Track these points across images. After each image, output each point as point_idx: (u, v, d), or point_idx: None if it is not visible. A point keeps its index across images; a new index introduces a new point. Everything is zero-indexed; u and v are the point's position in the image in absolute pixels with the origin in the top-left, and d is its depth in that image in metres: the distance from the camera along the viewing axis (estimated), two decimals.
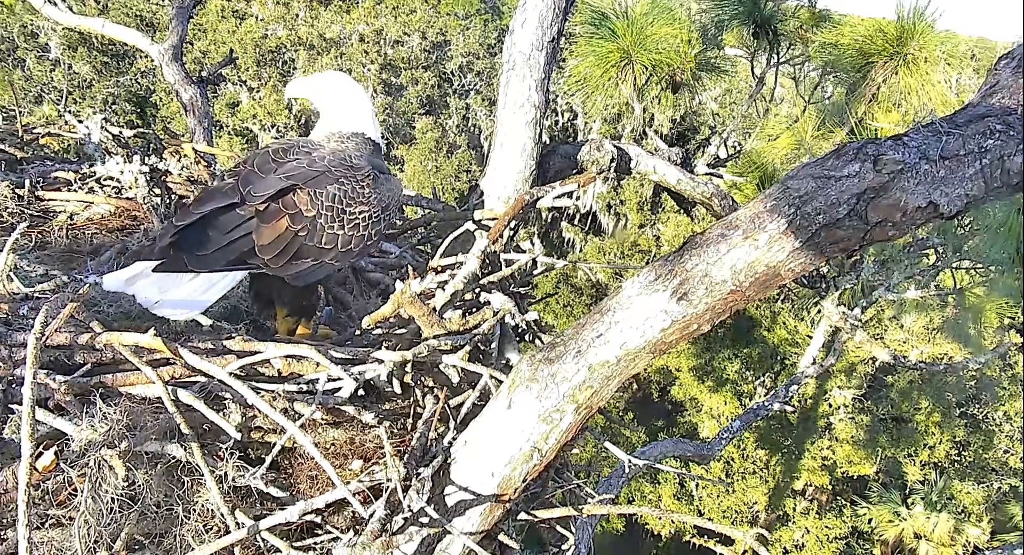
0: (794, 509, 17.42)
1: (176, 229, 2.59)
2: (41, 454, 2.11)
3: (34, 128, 4.73)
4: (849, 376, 16.89)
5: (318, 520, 2.34)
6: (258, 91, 22.04)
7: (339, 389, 2.42)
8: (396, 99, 22.99)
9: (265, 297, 3.01)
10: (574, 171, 3.98)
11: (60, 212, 3.77)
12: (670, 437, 16.50)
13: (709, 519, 3.77)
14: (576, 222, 23.31)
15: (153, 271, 2.54)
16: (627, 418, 17.79)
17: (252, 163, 2.77)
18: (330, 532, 2.31)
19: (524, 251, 3.45)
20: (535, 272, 3.57)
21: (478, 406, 2.58)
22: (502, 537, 2.61)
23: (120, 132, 4.77)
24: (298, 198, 2.69)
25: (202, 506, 2.17)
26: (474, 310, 3.03)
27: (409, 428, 2.59)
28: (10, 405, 2.23)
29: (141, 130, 5.00)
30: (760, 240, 2.07)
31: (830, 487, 17.44)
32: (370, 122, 3.18)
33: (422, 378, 2.68)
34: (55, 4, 6.52)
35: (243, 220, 2.62)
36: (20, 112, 4.73)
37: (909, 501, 15.33)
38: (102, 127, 4.57)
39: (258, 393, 2.26)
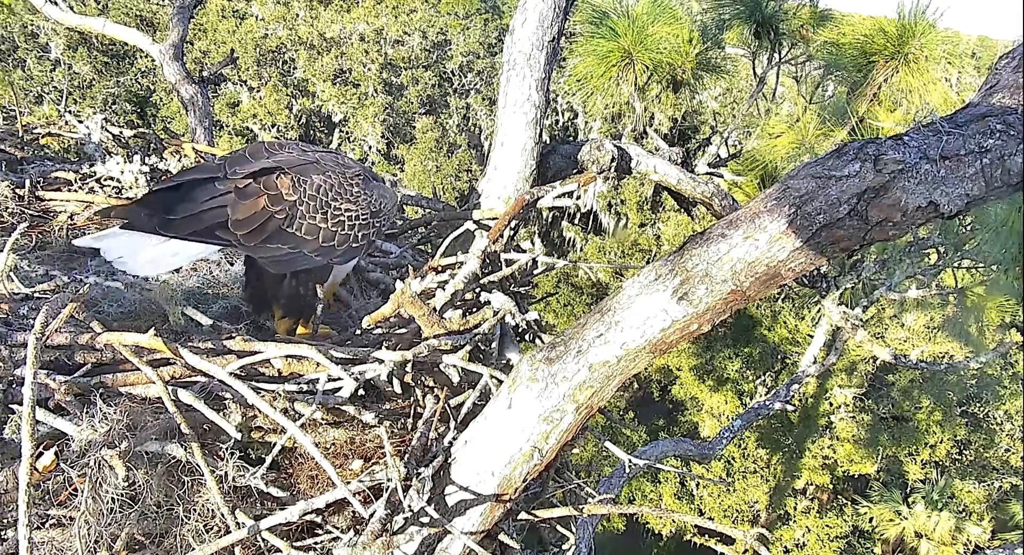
0: (795, 508, 17.42)
1: (150, 190, 2.60)
2: (41, 454, 2.11)
3: (34, 128, 4.73)
4: (850, 375, 16.89)
5: (318, 520, 2.34)
6: (258, 91, 22.04)
7: (339, 389, 2.42)
8: (396, 99, 22.98)
9: (260, 297, 3.01)
10: (574, 171, 3.98)
11: (60, 212, 3.77)
12: (671, 436, 16.52)
13: (710, 518, 3.77)
14: (576, 222, 23.32)
15: (121, 228, 2.54)
16: (628, 417, 17.79)
17: (245, 151, 2.80)
18: (330, 532, 2.31)
19: (524, 251, 3.44)
20: (535, 272, 3.57)
21: (478, 406, 2.58)
22: (502, 537, 2.60)
23: (120, 132, 4.77)
24: (280, 181, 2.69)
25: (202, 506, 2.17)
26: (474, 310, 3.03)
27: (409, 428, 2.59)
28: (10, 405, 2.23)
29: (141, 130, 4.99)
30: (761, 240, 2.06)
31: (831, 486, 17.44)
32: None
33: (422, 378, 2.68)
34: (56, 4, 6.52)
35: (220, 193, 2.62)
36: (20, 112, 4.73)
37: (910, 500, 15.32)
38: (102, 127, 4.57)
39: (258, 393, 2.26)
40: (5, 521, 2.09)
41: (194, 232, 2.59)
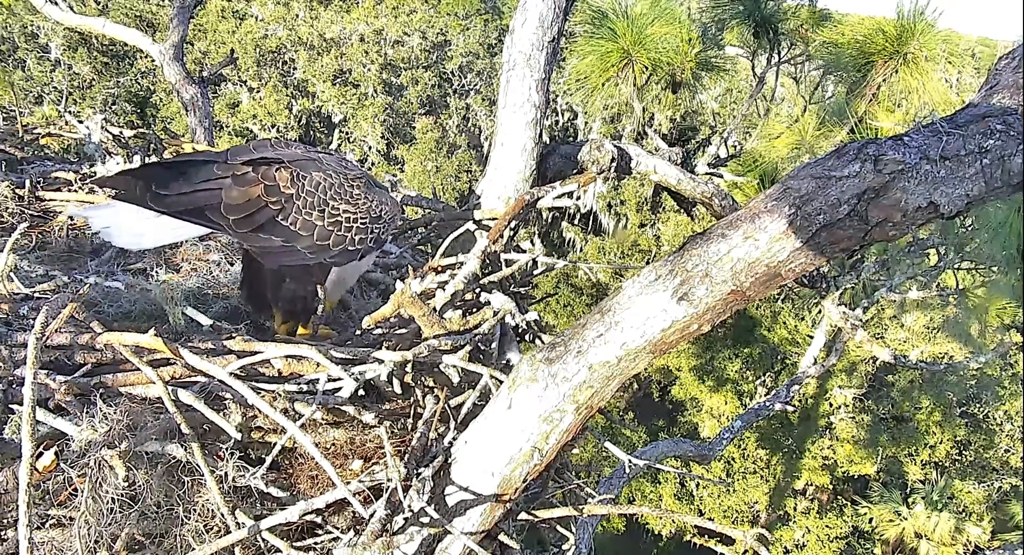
0: (795, 509, 17.42)
1: (145, 164, 2.59)
2: (41, 454, 2.11)
3: (34, 128, 4.74)
4: (850, 375, 16.89)
5: (318, 520, 2.34)
6: (258, 91, 22.04)
7: (339, 389, 2.42)
8: (396, 99, 22.98)
9: (259, 298, 3.00)
10: (574, 171, 3.98)
11: (60, 212, 3.77)
12: (671, 437, 16.52)
13: (710, 519, 3.77)
14: (576, 222, 23.30)
15: (113, 198, 2.53)
16: (627, 418, 17.78)
17: (249, 144, 2.82)
18: (330, 532, 2.31)
19: (524, 251, 3.45)
20: (535, 272, 3.57)
21: (478, 406, 2.58)
22: (502, 537, 2.60)
23: (120, 132, 4.77)
24: (279, 174, 2.68)
25: (202, 506, 2.17)
26: (474, 310, 3.03)
27: (409, 428, 2.59)
28: (10, 405, 2.23)
29: (141, 130, 5.00)
30: (760, 240, 2.06)
31: (831, 487, 17.44)
32: None
33: (422, 378, 2.68)
34: (56, 4, 6.53)
35: (217, 177, 2.62)
36: (20, 112, 4.74)
37: (910, 500, 15.33)
38: (102, 127, 4.57)
39: (258, 393, 2.26)
40: (5, 521, 2.09)
41: (185, 211, 2.58)
